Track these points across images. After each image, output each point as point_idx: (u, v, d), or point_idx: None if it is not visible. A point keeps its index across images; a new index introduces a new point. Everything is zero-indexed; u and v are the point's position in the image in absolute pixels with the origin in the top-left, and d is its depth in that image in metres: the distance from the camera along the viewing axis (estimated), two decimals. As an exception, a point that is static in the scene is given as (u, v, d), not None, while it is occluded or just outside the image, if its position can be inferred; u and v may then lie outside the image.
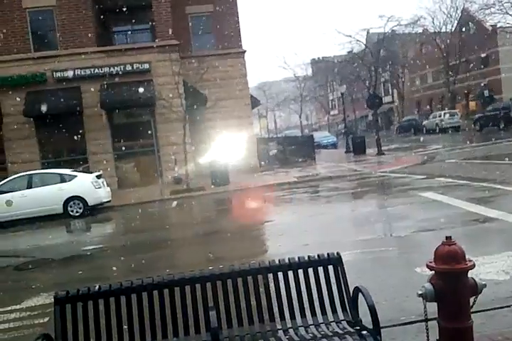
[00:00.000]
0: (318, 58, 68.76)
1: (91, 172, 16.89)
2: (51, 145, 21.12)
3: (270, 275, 3.49)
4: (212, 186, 18.29)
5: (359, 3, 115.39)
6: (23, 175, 15.91)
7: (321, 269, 3.49)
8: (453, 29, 48.60)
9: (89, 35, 21.30)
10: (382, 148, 25.19)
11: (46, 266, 9.25)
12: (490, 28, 44.71)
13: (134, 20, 23.46)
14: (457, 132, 36.75)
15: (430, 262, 3.30)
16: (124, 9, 21.24)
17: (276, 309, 3.43)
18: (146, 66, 21.37)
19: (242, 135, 23.17)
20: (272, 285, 3.49)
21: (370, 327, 3.16)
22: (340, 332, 3.29)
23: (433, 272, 3.28)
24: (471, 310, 3.21)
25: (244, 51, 25.28)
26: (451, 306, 3.17)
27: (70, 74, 20.74)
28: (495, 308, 4.55)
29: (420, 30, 50.33)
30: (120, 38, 25.93)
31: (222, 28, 24.35)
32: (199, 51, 24.26)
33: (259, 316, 3.42)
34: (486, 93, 45.13)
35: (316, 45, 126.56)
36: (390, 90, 64.57)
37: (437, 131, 39.02)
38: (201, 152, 21.86)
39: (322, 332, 3.30)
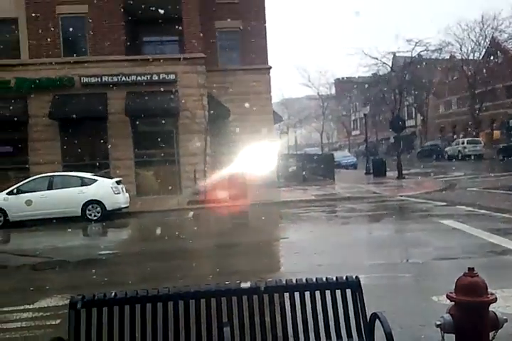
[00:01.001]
0: (343, 78, 68.89)
1: (111, 178, 17.04)
2: (74, 149, 21.36)
3: (286, 294, 3.46)
4: (230, 199, 18.29)
5: (386, 26, 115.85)
6: (44, 176, 16.13)
7: (338, 292, 3.44)
8: (481, 57, 48.37)
9: (119, 43, 21.68)
10: (403, 172, 24.99)
11: (62, 267, 9.31)
12: (518, 58, 44.41)
13: (163, 32, 23.84)
14: (479, 160, 36.34)
15: (451, 293, 3.24)
16: (154, 20, 21.63)
17: (290, 329, 3.39)
18: (172, 77, 21.62)
19: (263, 150, 23.22)
20: (287, 304, 3.45)
21: (386, 354, 3.10)
22: (355, 357, 3.23)
23: (453, 303, 3.22)
24: (491, 345, 3.13)
25: (270, 67, 25.49)
26: (470, 339, 3.10)
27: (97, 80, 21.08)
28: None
29: (447, 56, 50.19)
30: (148, 48, 26.31)
31: (250, 43, 24.62)
32: (225, 65, 24.52)
33: (272, 335, 3.38)
34: (511, 123, 44.65)
35: (340, 65, 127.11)
36: (414, 114, 64.27)
37: (459, 158, 38.65)
38: (221, 164, 21.93)
39: (336, 356, 3.25)
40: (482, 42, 48.23)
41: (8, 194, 15.57)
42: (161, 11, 21.28)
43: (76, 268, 9.32)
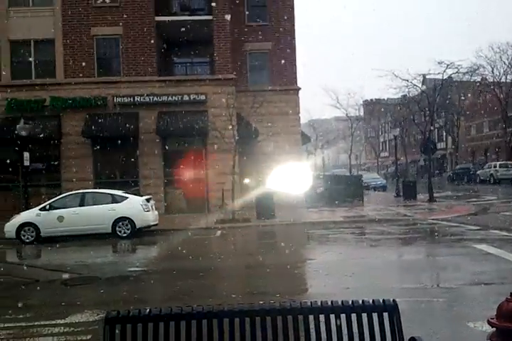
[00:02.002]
0: (371, 99, 68.75)
1: (141, 195, 17.22)
2: (105, 166, 21.76)
3: (321, 317, 3.40)
4: (258, 218, 18.26)
5: (416, 48, 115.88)
6: (76, 193, 16.40)
7: (375, 315, 3.37)
8: (513, 80, 47.78)
9: (151, 64, 22.17)
10: (434, 195, 24.58)
11: (92, 283, 9.39)
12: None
13: (194, 53, 24.30)
14: (512, 184, 35.55)
15: (492, 318, 3.14)
16: (186, 42, 22.09)
17: (325, 352, 3.32)
18: (203, 97, 21.93)
19: (291, 170, 23.18)
20: (322, 326, 3.39)
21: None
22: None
23: (494, 329, 3.12)
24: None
25: (299, 88, 25.64)
26: (514, 367, 2.99)
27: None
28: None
29: (479, 78, 49.72)
30: (180, 68, 26.85)
31: (279, 65, 24.86)
32: (254, 86, 24.75)
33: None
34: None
35: (370, 86, 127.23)
36: (444, 137, 63.51)
37: (491, 181, 37.88)
38: (249, 184, 21.99)
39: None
40: (514, 65, 47.69)
41: (40, 210, 15.83)
42: (192, 33, 21.80)
43: (106, 284, 9.39)
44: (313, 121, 75.39)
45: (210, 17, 22.45)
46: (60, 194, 17.31)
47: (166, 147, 22.13)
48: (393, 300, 3.44)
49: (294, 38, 25.84)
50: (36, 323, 6.45)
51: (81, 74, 21.90)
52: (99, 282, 9.51)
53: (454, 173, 48.44)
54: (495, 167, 39.21)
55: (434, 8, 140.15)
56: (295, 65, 25.67)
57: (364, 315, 3.39)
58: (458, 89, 51.08)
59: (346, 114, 67.73)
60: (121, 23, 22.10)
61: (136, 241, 15.21)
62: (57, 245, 14.83)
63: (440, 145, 58.97)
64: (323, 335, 3.36)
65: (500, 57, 47.46)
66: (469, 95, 54.06)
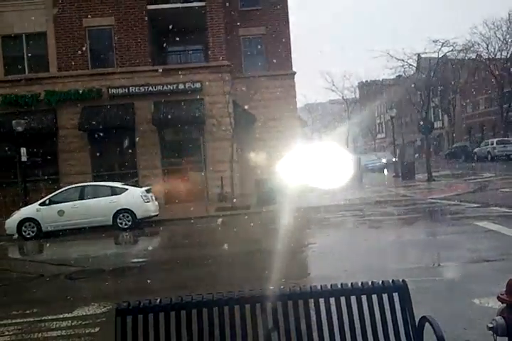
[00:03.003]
0: (366, 81, 68.37)
1: (140, 186, 17.21)
2: (103, 159, 21.69)
3: (332, 300, 3.40)
4: (258, 205, 18.27)
5: (410, 27, 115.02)
6: (75, 187, 16.39)
7: (385, 296, 3.38)
8: (508, 56, 47.49)
9: (145, 54, 21.98)
10: (432, 174, 24.61)
11: (96, 276, 9.41)
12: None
13: (187, 41, 24.08)
14: (510, 161, 35.56)
15: (502, 294, 3.14)
16: (179, 30, 21.86)
17: (338, 335, 3.33)
18: (198, 85, 21.78)
19: (289, 155, 23.14)
20: (333, 309, 3.40)
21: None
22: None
23: (504, 305, 3.13)
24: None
25: (294, 73, 25.49)
26: (526, 343, 3.01)
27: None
28: None
29: (473, 55, 49.41)
30: (174, 57, 26.62)
31: (273, 50, 24.69)
32: (250, 72, 24.60)
33: (319, 341, 3.33)
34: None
35: (365, 67, 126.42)
36: (440, 116, 63.37)
37: (489, 159, 37.90)
38: (248, 171, 21.95)
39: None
40: (510, 40, 47.39)
41: (40, 205, 15.84)
42: (185, 21, 21.56)
43: (111, 276, 9.41)
44: (309, 105, 75.10)
45: (202, 3, 22.20)
46: (59, 188, 17.28)
47: (164, 137, 22.06)
48: (403, 281, 3.44)
49: (287, 22, 25.64)
50: (44, 318, 6.46)
51: (75, 67, 21.73)
52: (104, 274, 9.54)
53: (451, 152, 48.48)
54: (492, 144, 39.18)
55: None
56: (290, 49, 25.50)
57: (374, 297, 3.40)
58: (453, 67, 50.81)
59: (342, 97, 67.43)
60: (113, 14, 21.86)
61: (137, 232, 15.24)
62: (59, 239, 14.86)
63: (436, 124, 58.86)
64: (335, 319, 3.37)
65: (495, 33, 47.18)
66: (464, 73, 53.87)
